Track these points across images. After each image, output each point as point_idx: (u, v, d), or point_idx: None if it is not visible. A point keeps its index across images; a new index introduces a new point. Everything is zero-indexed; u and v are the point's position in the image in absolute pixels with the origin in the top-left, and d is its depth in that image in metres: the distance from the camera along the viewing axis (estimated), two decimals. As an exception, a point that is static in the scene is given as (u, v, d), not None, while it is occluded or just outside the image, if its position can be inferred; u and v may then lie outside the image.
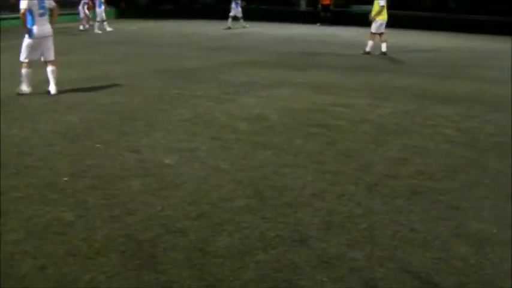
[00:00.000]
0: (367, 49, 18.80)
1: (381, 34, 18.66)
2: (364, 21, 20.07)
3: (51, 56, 11.09)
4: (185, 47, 20.05)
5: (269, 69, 14.14)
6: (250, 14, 33.82)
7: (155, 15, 31.99)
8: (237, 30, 27.33)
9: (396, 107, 10.04)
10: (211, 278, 4.12)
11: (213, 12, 36.21)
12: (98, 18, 28.60)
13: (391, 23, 18.78)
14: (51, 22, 11.10)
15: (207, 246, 4.57)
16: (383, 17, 18.58)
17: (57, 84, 10.97)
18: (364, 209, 5.37)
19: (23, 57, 10.93)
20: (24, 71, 10.96)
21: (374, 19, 18.54)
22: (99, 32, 27.47)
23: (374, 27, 18.61)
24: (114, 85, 12.01)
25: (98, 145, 7.47)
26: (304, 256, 4.44)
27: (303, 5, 35.24)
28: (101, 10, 28.57)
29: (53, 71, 11.04)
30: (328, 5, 31.75)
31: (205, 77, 13.10)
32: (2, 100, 10.29)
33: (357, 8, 31.40)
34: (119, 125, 8.51)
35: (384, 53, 18.45)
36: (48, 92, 10.95)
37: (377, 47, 18.54)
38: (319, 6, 32.29)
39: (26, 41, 10.83)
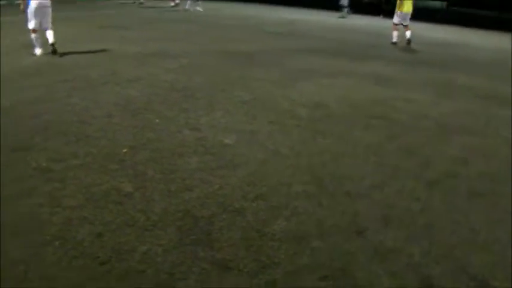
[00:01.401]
0: (394, 40, 19.53)
1: (405, 26, 19.32)
2: (428, 15, 20.19)
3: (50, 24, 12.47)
4: (244, 30, 20.02)
5: (330, 58, 14.03)
6: (312, 2, 33.68)
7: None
8: (295, 17, 27.13)
9: (458, 105, 9.85)
10: (267, 260, 4.11)
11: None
12: None
13: (457, 21, 18.58)
14: None
15: (264, 228, 4.55)
16: (405, 9, 19.20)
17: (118, 56, 11.04)
18: (423, 205, 5.28)
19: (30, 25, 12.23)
20: (33, 35, 12.26)
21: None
22: (189, 9, 27.89)
23: (396, 18, 19.44)
24: (176, 62, 12.06)
25: (157, 120, 7.51)
26: (360, 247, 4.39)
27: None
28: None
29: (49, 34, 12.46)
30: None
31: (266, 61, 13.07)
32: (65, 70, 10.46)
33: (421, 3, 30.85)
34: (179, 102, 8.55)
35: (409, 42, 19.12)
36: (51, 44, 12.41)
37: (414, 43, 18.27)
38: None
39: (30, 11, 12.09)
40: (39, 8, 12.08)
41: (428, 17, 30.05)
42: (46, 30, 12.47)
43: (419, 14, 28.55)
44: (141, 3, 29.86)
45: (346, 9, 29.88)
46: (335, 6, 31.75)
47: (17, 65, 11.08)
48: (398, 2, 19.29)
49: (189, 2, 28.80)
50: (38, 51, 12.32)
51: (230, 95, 9.19)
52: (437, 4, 31.78)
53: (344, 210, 5.02)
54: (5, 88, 9.01)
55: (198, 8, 28.50)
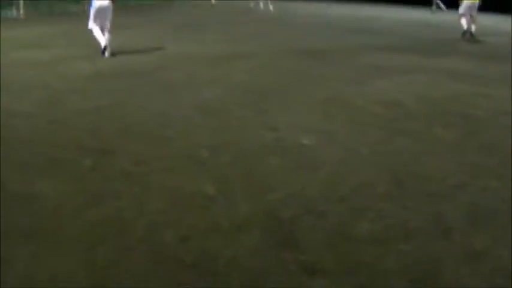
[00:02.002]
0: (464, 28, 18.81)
1: (471, 16, 18.60)
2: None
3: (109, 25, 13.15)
4: (318, 28, 19.97)
5: (403, 54, 13.87)
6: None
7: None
8: (366, 13, 26.89)
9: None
10: (352, 262, 4.09)
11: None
12: None
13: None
14: None
15: (348, 231, 4.54)
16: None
17: (192, 58, 11.20)
18: (509, 206, 5.16)
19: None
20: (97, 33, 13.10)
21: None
22: (261, 8, 28.04)
23: (461, 9, 18.74)
24: (250, 63, 12.15)
25: (235, 121, 7.58)
26: (447, 249, 4.32)
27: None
28: None
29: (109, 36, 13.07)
30: None
31: (340, 58, 13.03)
32: (142, 73, 10.70)
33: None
34: (255, 102, 8.61)
35: (471, 35, 18.40)
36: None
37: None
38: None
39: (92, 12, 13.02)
40: (101, 9, 12.93)
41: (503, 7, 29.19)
42: (104, 31, 13.11)
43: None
44: (213, 5, 30.12)
45: (435, 4, 28.68)
46: (418, 1, 31.09)
47: (96, 67, 11.42)
48: None
49: (262, 1, 28.91)
50: (102, 43, 13.02)
51: (305, 95, 9.20)
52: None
53: (428, 211, 4.96)
54: (88, 90, 9.30)
55: (270, 7, 28.53)
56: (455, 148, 6.77)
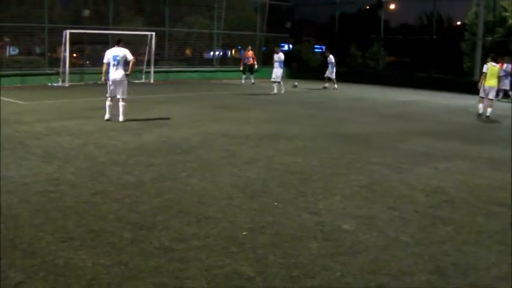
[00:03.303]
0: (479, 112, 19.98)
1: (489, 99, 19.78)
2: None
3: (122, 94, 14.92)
4: (357, 112, 20.07)
5: (444, 140, 13.81)
6: (420, 82, 33.46)
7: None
8: (409, 98, 26.99)
9: None
10: None
11: (383, 77, 36.11)
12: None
13: None
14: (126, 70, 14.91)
15: (389, 320, 4.47)
16: (489, 83, 19.85)
17: (234, 138, 11.34)
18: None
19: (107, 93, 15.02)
20: (107, 103, 14.98)
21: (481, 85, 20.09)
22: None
23: (481, 92, 20.00)
24: (291, 144, 12.24)
25: (276, 203, 7.62)
26: None
27: (477, 75, 34.11)
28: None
29: (123, 106, 14.84)
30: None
31: (379, 143, 13.03)
32: (183, 150, 10.88)
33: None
34: (296, 185, 8.64)
35: (487, 117, 19.49)
36: (118, 120, 14.64)
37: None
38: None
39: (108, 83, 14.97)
40: (114, 81, 14.81)
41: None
42: (119, 99, 14.91)
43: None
44: (253, 83, 30.65)
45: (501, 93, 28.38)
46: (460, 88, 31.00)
47: (139, 141, 11.70)
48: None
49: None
50: (107, 116, 14.91)
51: (347, 179, 9.20)
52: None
53: (471, 302, 4.87)
54: (130, 164, 9.48)
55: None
56: (498, 238, 6.66)
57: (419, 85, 33.16)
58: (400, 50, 42.35)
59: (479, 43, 34.17)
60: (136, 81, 28.79)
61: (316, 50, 44.80)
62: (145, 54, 29.91)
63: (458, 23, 41.29)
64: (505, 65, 27.26)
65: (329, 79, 30.91)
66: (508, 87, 27.77)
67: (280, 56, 26.27)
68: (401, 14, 46.19)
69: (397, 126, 16.44)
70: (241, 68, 32.31)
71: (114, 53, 14.70)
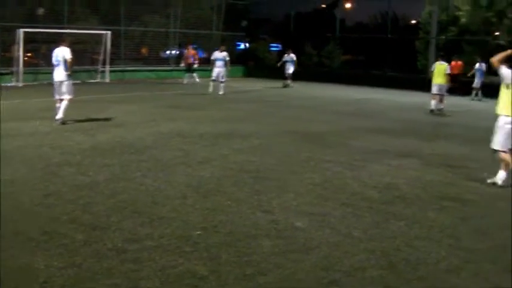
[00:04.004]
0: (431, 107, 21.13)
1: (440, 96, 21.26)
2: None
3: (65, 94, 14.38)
4: (312, 110, 20.18)
5: (397, 138, 13.97)
6: (375, 81, 33.80)
7: (282, 75, 32.40)
8: (364, 96, 27.24)
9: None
10: None
11: (339, 76, 36.36)
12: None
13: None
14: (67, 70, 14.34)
15: (341, 316, 4.51)
16: (437, 81, 21.27)
17: (188, 137, 11.31)
18: (503, 291, 5.16)
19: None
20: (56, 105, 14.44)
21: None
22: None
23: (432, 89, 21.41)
24: (245, 143, 12.26)
25: (229, 202, 7.62)
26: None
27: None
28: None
29: (65, 105, 14.29)
30: (456, 75, 30.34)
31: (334, 141, 13.13)
32: (137, 150, 10.82)
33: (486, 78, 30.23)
34: (250, 184, 8.66)
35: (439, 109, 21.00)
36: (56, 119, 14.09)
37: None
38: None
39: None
40: (57, 81, 14.44)
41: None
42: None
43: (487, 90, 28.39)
44: (197, 82, 30.05)
45: (478, 92, 28.75)
46: (413, 85, 31.37)
47: (93, 141, 11.60)
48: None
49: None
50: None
51: (301, 177, 9.25)
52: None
53: (421, 296, 4.96)
54: (84, 164, 9.39)
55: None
56: (449, 232, 6.78)
57: (374, 83, 33.51)
58: (356, 49, 42.76)
59: (433, 42, 34.69)
60: (92, 81, 28.56)
61: (272, 49, 44.93)
62: (100, 53, 29.67)
63: (413, 22, 41.86)
64: (477, 65, 27.82)
65: (289, 77, 31.04)
66: (478, 86, 28.21)
67: (224, 55, 25.38)
68: (356, 13, 46.61)
69: (351, 124, 16.57)
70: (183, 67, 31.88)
71: (56, 53, 14.39)
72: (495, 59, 9.58)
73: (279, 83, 30.84)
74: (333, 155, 11.30)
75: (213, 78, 25.07)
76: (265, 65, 40.49)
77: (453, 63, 28.83)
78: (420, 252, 6.06)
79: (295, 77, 31.29)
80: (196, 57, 31.63)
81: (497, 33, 35.43)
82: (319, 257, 5.74)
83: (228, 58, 25.47)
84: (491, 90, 22.35)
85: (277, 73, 32.42)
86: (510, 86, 9.35)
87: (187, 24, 36.18)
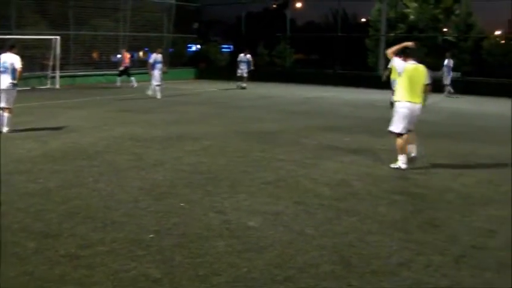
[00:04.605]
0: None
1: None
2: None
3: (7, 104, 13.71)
4: (264, 109, 20.27)
5: (349, 134, 14.12)
6: (326, 79, 34.09)
7: (234, 76, 32.45)
8: (315, 94, 27.47)
9: (480, 176, 9.85)
10: None
11: (291, 75, 36.58)
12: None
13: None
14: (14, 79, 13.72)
15: (294, 312, 4.55)
16: (394, 76, 21.62)
17: (141, 140, 11.28)
18: (451, 281, 5.27)
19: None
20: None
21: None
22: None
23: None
24: (198, 145, 12.25)
25: (182, 204, 7.62)
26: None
27: (381, 70, 34.95)
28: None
29: (7, 117, 13.68)
30: None
31: (286, 140, 13.21)
32: (89, 155, 10.73)
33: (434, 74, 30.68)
34: (203, 185, 8.66)
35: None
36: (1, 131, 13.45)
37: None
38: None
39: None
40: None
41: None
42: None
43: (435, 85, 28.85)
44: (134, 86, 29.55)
45: (447, 88, 29.22)
46: (364, 83, 31.77)
47: (44, 148, 11.43)
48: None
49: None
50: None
51: (253, 176, 9.29)
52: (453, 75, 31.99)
53: (373, 289, 5.03)
54: (36, 172, 9.27)
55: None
56: (400, 226, 6.90)
57: (326, 81, 33.82)
58: (307, 48, 43.14)
59: (383, 39, 35.15)
60: (42, 87, 28.16)
61: (224, 50, 45.02)
62: (50, 58, 29.26)
63: (363, 20, 42.38)
64: (446, 61, 28.29)
65: (243, 78, 31.00)
66: (449, 83, 28.67)
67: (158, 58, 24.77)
68: (307, 13, 47.01)
69: (303, 122, 16.70)
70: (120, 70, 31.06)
71: (3, 60, 13.77)
72: (390, 51, 10.83)
73: (230, 85, 30.88)
74: (285, 153, 11.38)
75: (157, 82, 24.46)
76: (217, 67, 40.54)
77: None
78: (372, 246, 6.15)
79: (247, 77, 31.32)
80: (126, 61, 30.89)
81: (445, 30, 36.14)
82: (273, 255, 5.78)
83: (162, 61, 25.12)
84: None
85: (229, 74, 32.49)
86: (401, 75, 10.37)
87: (137, 27, 35.93)
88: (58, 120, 15.85)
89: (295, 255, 5.80)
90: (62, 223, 6.70)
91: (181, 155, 11.03)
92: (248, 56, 31.31)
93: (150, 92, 24.52)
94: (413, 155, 10.43)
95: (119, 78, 30.68)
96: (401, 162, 10.19)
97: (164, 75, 25.07)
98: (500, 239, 6.54)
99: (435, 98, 25.81)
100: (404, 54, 10.59)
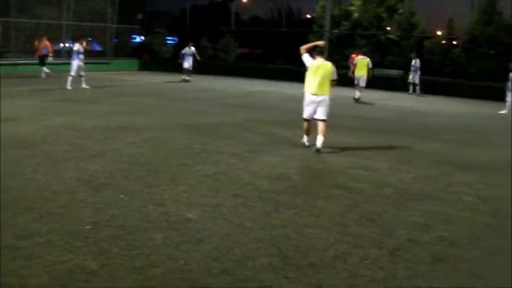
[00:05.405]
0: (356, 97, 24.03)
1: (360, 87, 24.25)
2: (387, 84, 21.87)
3: None
4: (207, 102, 20.24)
5: (290, 129, 14.19)
6: (270, 74, 34.22)
7: (178, 68, 32.26)
8: (258, 89, 27.55)
9: (417, 172, 10.04)
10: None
11: (234, 69, 36.63)
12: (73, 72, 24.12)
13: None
14: None
15: (230, 303, 4.57)
16: (359, 73, 24.33)
17: (80, 131, 11.14)
18: (386, 274, 5.37)
19: None
20: None
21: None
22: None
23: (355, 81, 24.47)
24: (139, 136, 12.16)
25: (121, 195, 7.55)
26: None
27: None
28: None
29: None
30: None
31: (227, 133, 13.22)
32: (28, 145, 10.54)
33: (377, 71, 31.08)
34: (142, 177, 8.60)
35: (356, 100, 23.81)
36: None
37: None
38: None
39: None
40: None
41: (388, 85, 30.69)
42: None
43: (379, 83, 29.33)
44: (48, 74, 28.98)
45: (416, 87, 29.43)
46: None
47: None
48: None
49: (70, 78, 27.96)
50: None
51: (193, 169, 9.27)
52: (394, 72, 32.42)
53: (309, 281, 5.08)
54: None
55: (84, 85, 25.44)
56: (337, 219, 6.98)
57: (269, 76, 33.96)
58: (252, 42, 43.13)
59: (326, 35, 35.36)
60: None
61: (168, 42, 44.72)
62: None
63: (308, 16, 42.59)
64: (413, 61, 28.81)
65: (188, 71, 30.71)
66: (417, 82, 29.12)
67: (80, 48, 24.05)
68: (252, 7, 46.99)
69: (244, 115, 16.73)
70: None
71: None
72: (303, 47, 12.23)
73: (174, 77, 30.64)
74: (226, 146, 11.39)
75: (75, 74, 23.60)
76: (161, 58, 40.30)
77: (353, 56, 29.64)
78: (309, 239, 6.21)
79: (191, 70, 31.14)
80: (50, 49, 29.75)
81: (388, 28, 36.62)
82: (211, 248, 5.78)
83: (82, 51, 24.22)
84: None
85: (173, 66, 32.25)
86: (308, 70, 11.86)
87: (81, 16, 35.39)
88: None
89: (233, 247, 5.82)
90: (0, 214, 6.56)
91: (122, 146, 10.93)
92: (192, 48, 31.04)
93: (69, 85, 23.41)
94: (316, 145, 11.44)
95: (43, 68, 29.31)
96: (305, 139, 11.98)
97: (107, 66, 24.55)
98: (435, 233, 6.68)
99: (394, 95, 26.33)
100: (314, 52, 12.06)
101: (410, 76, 29.45)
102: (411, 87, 29.48)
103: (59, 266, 5.15)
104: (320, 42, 12.42)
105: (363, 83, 24.22)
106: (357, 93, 23.93)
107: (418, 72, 29.23)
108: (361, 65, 24.40)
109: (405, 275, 5.38)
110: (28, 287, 4.74)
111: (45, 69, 28.97)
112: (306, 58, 12.03)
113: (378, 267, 5.51)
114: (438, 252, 6.05)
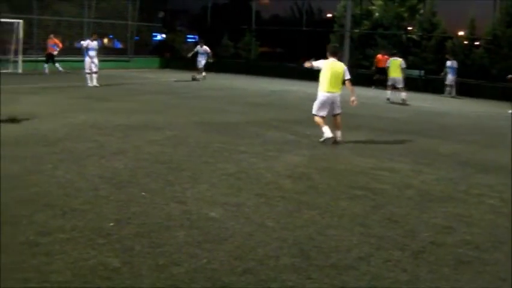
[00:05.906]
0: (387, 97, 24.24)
1: (397, 88, 24.19)
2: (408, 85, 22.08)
3: None
4: (227, 101, 20.25)
5: (311, 128, 14.14)
6: (291, 73, 34.16)
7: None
8: (279, 87, 27.52)
9: (440, 173, 9.96)
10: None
11: (255, 67, 36.65)
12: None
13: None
14: None
15: (253, 303, 4.55)
16: (392, 75, 24.34)
17: (102, 128, 11.17)
18: (410, 276, 5.32)
19: None
20: None
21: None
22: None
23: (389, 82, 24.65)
24: (160, 134, 12.19)
25: (143, 193, 7.56)
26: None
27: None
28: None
29: None
30: (383, 68, 30.71)
31: (248, 132, 13.21)
32: (49, 142, 10.58)
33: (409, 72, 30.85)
34: (164, 175, 8.61)
35: (403, 101, 23.64)
36: None
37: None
38: (374, 68, 31.66)
39: None
40: None
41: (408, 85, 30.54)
42: None
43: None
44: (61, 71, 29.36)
45: (448, 89, 29.32)
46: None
47: (5, 135, 11.14)
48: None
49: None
50: None
51: (215, 167, 9.27)
52: (415, 72, 32.18)
53: (332, 282, 5.05)
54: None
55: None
56: (360, 221, 6.93)
57: (290, 75, 33.89)
58: (273, 41, 43.15)
59: (347, 35, 35.25)
60: (3, 71, 27.67)
61: (189, 40, 44.82)
62: (12, 42, 28.76)
63: (328, 15, 42.52)
64: (449, 62, 28.56)
65: (200, 69, 30.53)
66: (452, 83, 28.87)
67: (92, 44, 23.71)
68: (273, 6, 47.01)
69: (266, 114, 16.72)
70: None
71: None
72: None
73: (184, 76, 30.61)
74: (247, 145, 11.38)
75: (87, 70, 23.40)
76: (182, 57, 40.37)
77: (379, 56, 29.63)
78: (332, 240, 6.17)
79: (211, 68, 31.09)
80: (60, 45, 30.11)
81: (409, 28, 36.45)
82: (233, 247, 5.77)
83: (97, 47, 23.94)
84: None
85: (194, 65, 32.29)
86: (322, 70, 12.94)
87: (102, 14, 35.55)
88: (19, 106, 15.62)
89: (256, 247, 5.80)
90: (21, 210, 6.58)
91: (143, 144, 10.95)
92: (205, 47, 30.81)
93: (90, 82, 23.43)
94: (338, 138, 12.45)
95: (46, 65, 29.66)
96: (327, 130, 12.35)
97: (129, 64, 24.59)
98: (458, 236, 6.62)
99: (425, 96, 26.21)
100: (327, 52, 13.39)
101: (449, 77, 28.91)
102: (447, 90, 29.14)
103: (82, 263, 5.16)
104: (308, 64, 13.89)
105: (400, 84, 24.03)
106: (402, 94, 23.69)
107: (454, 74, 28.86)
108: (395, 66, 24.29)
109: (428, 277, 5.33)
110: (50, 282, 4.74)
111: (58, 66, 29.17)
112: (317, 64, 13.27)
113: (401, 269, 5.47)
114: (462, 255, 5.98)
